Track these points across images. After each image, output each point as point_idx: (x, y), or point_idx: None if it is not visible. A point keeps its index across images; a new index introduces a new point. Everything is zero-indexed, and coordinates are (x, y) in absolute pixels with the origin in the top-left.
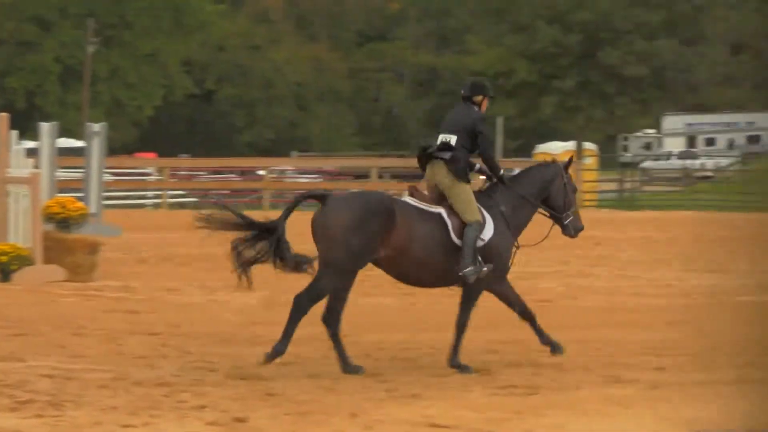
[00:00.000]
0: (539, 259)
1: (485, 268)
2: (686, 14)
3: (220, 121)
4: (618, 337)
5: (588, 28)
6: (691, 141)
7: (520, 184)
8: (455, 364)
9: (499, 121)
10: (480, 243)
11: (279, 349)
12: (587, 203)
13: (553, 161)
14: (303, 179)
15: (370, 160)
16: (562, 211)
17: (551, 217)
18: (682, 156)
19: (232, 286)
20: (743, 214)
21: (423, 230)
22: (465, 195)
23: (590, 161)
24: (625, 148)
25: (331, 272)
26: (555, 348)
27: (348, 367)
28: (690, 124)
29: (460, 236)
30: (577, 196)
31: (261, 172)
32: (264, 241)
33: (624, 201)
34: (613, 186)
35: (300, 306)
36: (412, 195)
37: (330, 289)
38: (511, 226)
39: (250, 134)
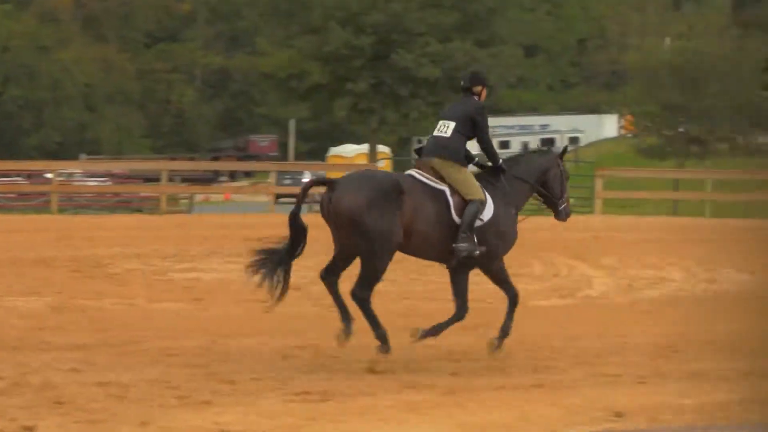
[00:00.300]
0: None
1: (478, 251)
2: (479, 16)
3: (6, 122)
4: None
5: (381, 29)
6: None
7: (518, 169)
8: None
9: (292, 124)
10: (479, 223)
11: (379, 334)
12: None
13: (548, 150)
14: (92, 182)
15: (160, 163)
16: (558, 197)
17: (546, 202)
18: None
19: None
20: (537, 217)
21: (427, 206)
22: (463, 175)
23: (384, 164)
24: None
25: (375, 256)
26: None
27: (346, 321)
28: None
29: (461, 215)
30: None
31: (49, 176)
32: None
33: None
34: None
35: (364, 302)
36: (419, 168)
37: (381, 271)
38: (515, 208)
39: (38, 137)
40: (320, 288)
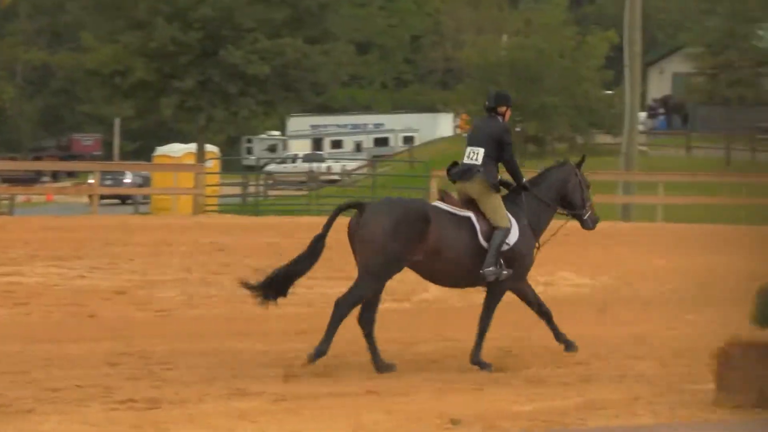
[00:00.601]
0: (159, 266)
1: (505, 272)
2: (311, 11)
3: None
4: (242, 347)
5: (209, 25)
6: (317, 143)
7: (539, 189)
8: (476, 361)
9: (116, 123)
10: (505, 247)
11: (321, 349)
12: (209, 208)
13: (566, 161)
14: None
15: None
16: (581, 207)
17: (570, 214)
18: (307, 159)
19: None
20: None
21: (454, 234)
22: (495, 203)
23: (212, 164)
24: (249, 151)
25: (372, 278)
26: (569, 346)
27: (381, 366)
28: (315, 126)
29: (488, 239)
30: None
31: None
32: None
33: (248, 206)
34: (236, 190)
35: (340, 310)
36: (442, 200)
37: (370, 293)
38: (534, 229)
39: None
40: (146, 292)
